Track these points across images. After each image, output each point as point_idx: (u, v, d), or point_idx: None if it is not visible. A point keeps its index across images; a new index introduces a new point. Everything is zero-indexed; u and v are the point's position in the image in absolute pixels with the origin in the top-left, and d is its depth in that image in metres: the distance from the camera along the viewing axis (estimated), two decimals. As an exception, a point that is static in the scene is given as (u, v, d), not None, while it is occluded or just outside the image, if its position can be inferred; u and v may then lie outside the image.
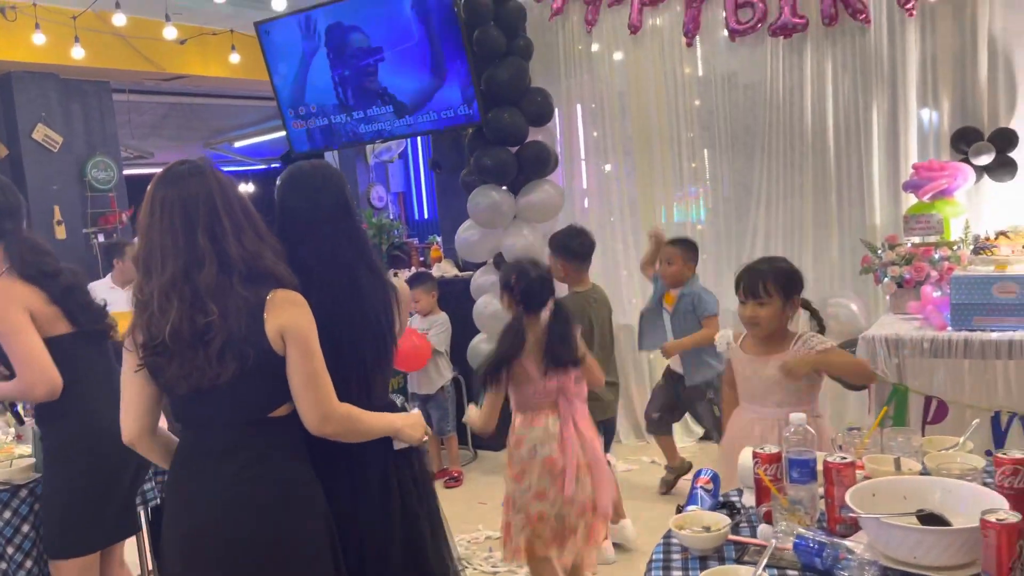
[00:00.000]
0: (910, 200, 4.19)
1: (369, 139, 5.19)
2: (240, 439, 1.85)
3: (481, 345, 4.90)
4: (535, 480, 2.81)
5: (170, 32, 6.30)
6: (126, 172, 8.38)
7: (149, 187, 1.85)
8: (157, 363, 1.80)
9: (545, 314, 2.87)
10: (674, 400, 4.29)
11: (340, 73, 5.01)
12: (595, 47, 5.14)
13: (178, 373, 1.78)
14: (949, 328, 3.43)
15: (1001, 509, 1.42)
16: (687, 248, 4.12)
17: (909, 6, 4.19)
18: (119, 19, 6.13)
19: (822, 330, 2.70)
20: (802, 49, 4.52)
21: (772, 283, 2.51)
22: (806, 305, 2.68)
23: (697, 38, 4.79)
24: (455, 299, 5.07)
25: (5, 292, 2.32)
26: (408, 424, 2.09)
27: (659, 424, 4.38)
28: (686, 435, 5.09)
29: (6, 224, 2.40)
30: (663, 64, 4.93)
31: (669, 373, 4.31)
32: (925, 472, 1.87)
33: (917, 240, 3.91)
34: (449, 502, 4.43)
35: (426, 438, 2.13)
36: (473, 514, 4.24)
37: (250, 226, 1.85)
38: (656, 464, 4.71)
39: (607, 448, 3.70)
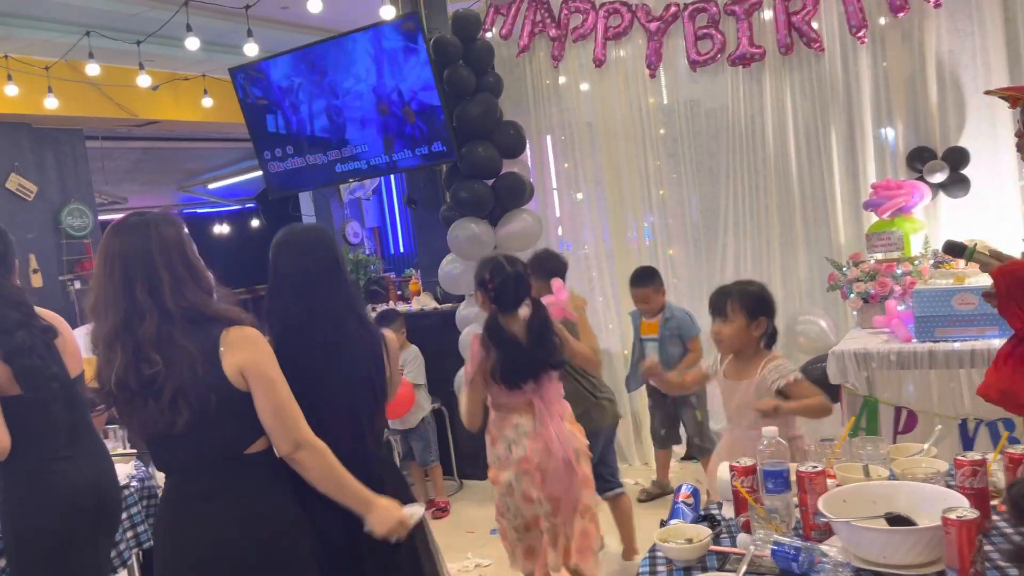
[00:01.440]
0: (871, 218, 4.34)
1: (344, 179, 5.28)
2: (220, 480, 1.89)
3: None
4: (514, 481, 2.83)
5: (144, 80, 6.37)
6: (101, 218, 8.39)
7: (102, 238, 1.93)
8: (117, 409, 1.90)
9: (524, 312, 2.85)
10: (673, 413, 4.46)
11: (317, 113, 5.11)
12: (562, 80, 5.29)
13: (135, 421, 1.87)
14: (914, 340, 3.57)
15: (961, 507, 1.52)
16: (651, 279, 4.31)
17: (860, 34, 4.39)
18: (92, 68, 6.20)
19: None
20: (761, 77, 4.70)
21: (737, 302, 2.61)
22: (772, 333, 2.70)
23: (660, 69, 4.96)
24: (435, 331, 5.14)
25: None
26: (381, 512, 2.00)
27: (666, 439, 4.58)
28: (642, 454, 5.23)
29: None
30: (628, 95, 5.09)
31: (653, 390, 4.48)
32: (892, 478, 1.97)
33: (880, 256, 4.06)
34: (437, 532, 4.48)
35: (393, 537, 2.03)
36: (462, 543, 4.28)
37: (192, 278, 1.90)
38: (639, 484, 4.80)
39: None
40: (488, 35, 5.20)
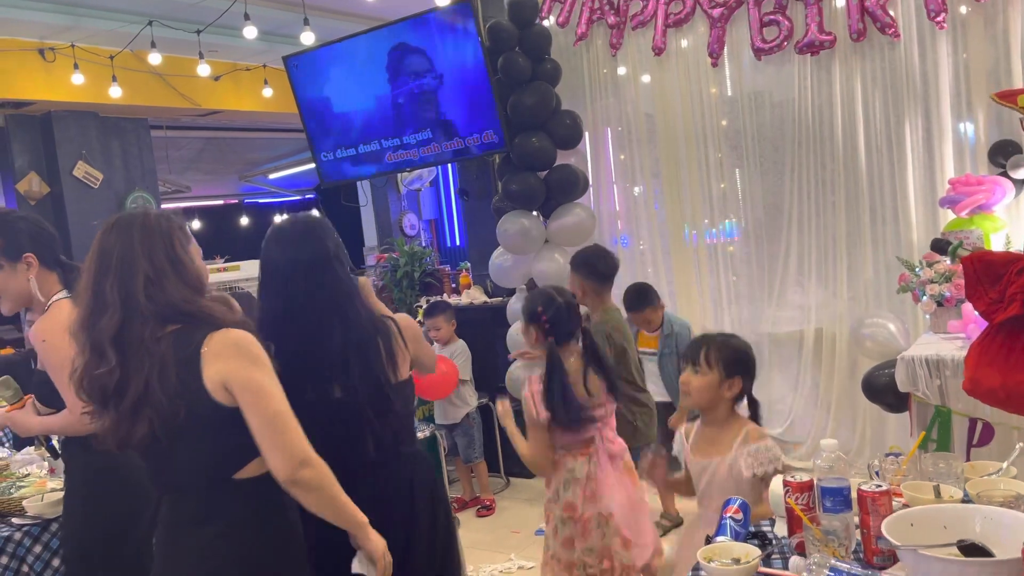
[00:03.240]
0: (948, 216, 4.09)
1: (396, 169, 5.22)
2: (207, 506, 1.72)
3: (517, 371, 4.86)
4: (559, 524, 2.68)
5: (204, 69, 6.44)
6: (164, 206, 8.57)
7: None
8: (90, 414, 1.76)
9: (576, 347, 2.72)
10: (670, 437, 4.11)
11: (372, 102, 5.06)
12: (620, 70, 5.14)
13: (100, 429, 1.73)
14: (992, 347, 3.32)
15: (1046, 539, 1.35)
16: (647, 299, 4.03)
17: (939, 19, 4.12)
18: (155, 58, 6.29)
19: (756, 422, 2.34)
20: (830, 66, 4.46)
21: (715, 354, 2.25)
22: (751, 400, 2.34)
23: (723, 58, 4.76)
24: (483, 325, 5.06)
25: (63, 321, 2.24)
26: (373, 538, 1.83)
27: (671, 462, 4.19)
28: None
29: (60, 255, 2.41)
30: (689, 85, 4.90)
31: (659, 405, 4.03)
32: (967, 499, 1.80)
33: (941, 255, 3.81)
34: (481, 531, 4.41)
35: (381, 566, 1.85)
36: (506, 543, 4.18)
37: (175, 272, 1.73)
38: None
39: None
40: (545, 23, 5.07)
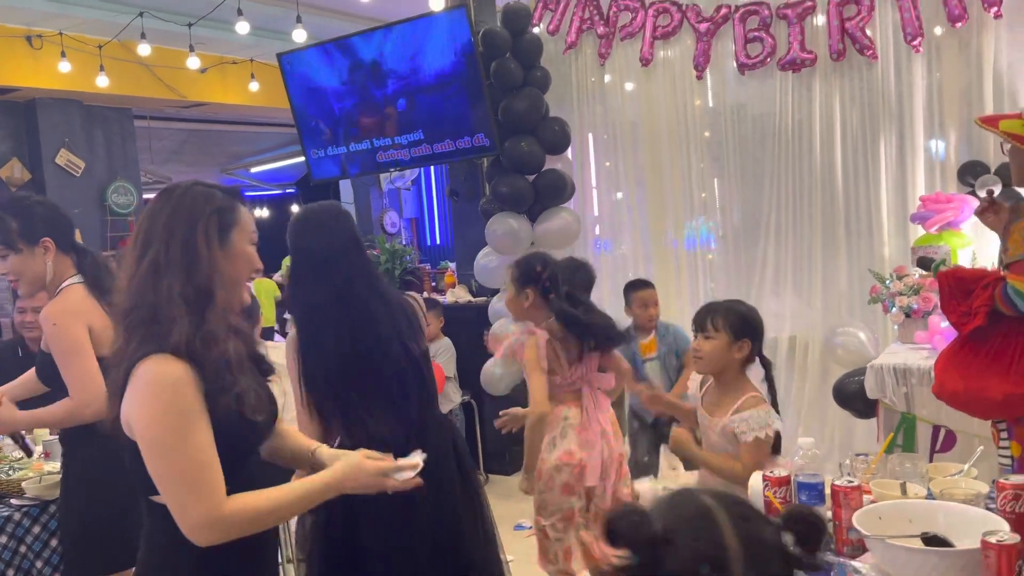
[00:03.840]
0: (918, 231, 4.25)
1: (386, 168, 5.30)
2: (146, 519, 1.58)
3: (495, 369, 4.96)
4: (555, 472, 2.79)
5: (193, 62, 6.47)
6: (145, 196, 8.55)
7: None
8: None
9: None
10: (657, 438, 4.04)
11: (364, 101, 5.13)
12: (608, 79, 5.26)
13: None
14: (956, 357, 3.48)
15: (1001, 531, 1.48)
16: (654, 288, 4.06)
17: (915, 42, 4.29)
18: (144, 49, 6.31)
19: (772, 390, 2.46)
20: (811, 83, 4.61)
21: (722, 319, 2.37)
22: (763, 359, 2.45)
23: (707, 71, 4.90)
24: (468, 324, 5.15)
25: (74, 305, 2.32)
26: (348, 478, 1.61)
27: (648, 467, 4.05)
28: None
29: (73, 238, 2.46)
30: (674, 96, 5.03)
31: (635, 414, 4.13)
32: (930, 497, 1.93)
33: (925, 271, 3.97)
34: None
35: (394, 484, 1.66)
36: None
37: (185, 266, 1.50)
38: None
39: None
40: (535, 30, 5.18)
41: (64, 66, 6.57)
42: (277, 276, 8.55)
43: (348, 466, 1.62)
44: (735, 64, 4.78)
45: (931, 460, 3.40)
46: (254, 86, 7.54)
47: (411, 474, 1.68)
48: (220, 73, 7.83)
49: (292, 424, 2.00)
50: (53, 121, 7.41)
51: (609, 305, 4.22)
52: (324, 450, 1.80)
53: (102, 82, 6.74)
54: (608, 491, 2.83)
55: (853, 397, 3.86)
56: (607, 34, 5.12)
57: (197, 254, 1.50)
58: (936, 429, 3.57)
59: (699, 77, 4.92)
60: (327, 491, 1.59)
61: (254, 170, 11.43)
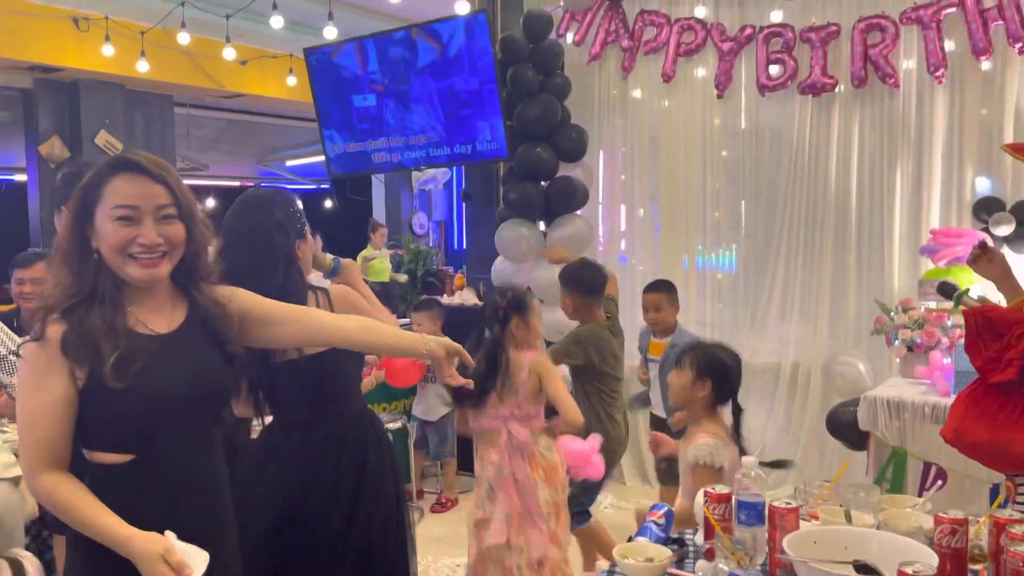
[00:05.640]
0: (928, 265, 4.18)
1: (400, 167, 5.37)
2: None
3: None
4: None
5: (229, 53, 6.60)
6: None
7: None
8: None
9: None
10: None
11: (382, 100, 5.21)
12: (629, 92, 5.26)
13: None
14: (952, 394, 3.41)
15: (918, 562, 1.45)
16: (670, 291, 3.97)
17: (939, 74, 4.23)
18: (183, 37, 6.46)
19: (737, 431, 2.50)
20: (830, 108, 4.58)
21: (690, 357, 2.50)
22: (734, 404, 2.52)
23: (728, 90, 4.88)
24: (472, 327, 5.14)
25: None
26: (136, 546, 1.48)
27: (668, 473, 4.05)
28: (644, 481, 5.06)
29: None
30: (694, 113, 5.02)
31: (654, 419, 4.10)
32: (880, 528, 1.90)
33: (932, 305, 3.90)
34: (441, 525, 4.51)
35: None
36: (461, 538, 4.27)
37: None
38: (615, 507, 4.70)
39: (594, 495, 3.62)
40: (563, 41, 5.20)
41: (108, 49, 6.75)
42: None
43: (146, 551, 1.47)
44: (756, 85, 4.75)
45: (920, 496, 3.34)
46: (291, 80, 7.68)
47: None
48: (259, 66, 7.98)
49: None
50: (95, 103, 7.61)
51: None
52: (433, 341, 1.84)
53: (142, 67, 6.92)
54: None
55: (846, 427, 3.81)
56: (631, 48, 5.12)
57: (60, 229, 1.61)
58: (927, 466, 3.50)
59: (719, 96, 4.90)
60: (113, 545, 1.50)
61: (289, 163, 11.61)
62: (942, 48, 4.21)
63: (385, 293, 6.06)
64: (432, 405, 4.77)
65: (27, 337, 1.57)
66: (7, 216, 8.99)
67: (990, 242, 4.01)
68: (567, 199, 4.83)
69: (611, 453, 3.45)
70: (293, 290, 2.24)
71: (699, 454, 2.35)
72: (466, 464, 5.13)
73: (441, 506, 4.79)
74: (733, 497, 1.87)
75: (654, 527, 1.94)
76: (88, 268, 1.58)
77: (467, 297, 5.45)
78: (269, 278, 2.20)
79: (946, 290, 2.56)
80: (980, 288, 3.94)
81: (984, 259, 2.48)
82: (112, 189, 1.57)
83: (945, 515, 1.69)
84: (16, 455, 2.31)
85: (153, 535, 1.50)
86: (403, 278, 7.45)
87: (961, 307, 2.46)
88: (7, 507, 2.23)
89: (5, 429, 2.95)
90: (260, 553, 2.14)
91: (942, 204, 4.35)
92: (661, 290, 3.97)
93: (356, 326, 1.88)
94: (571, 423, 2.86)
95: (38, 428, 1.53)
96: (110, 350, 1.53)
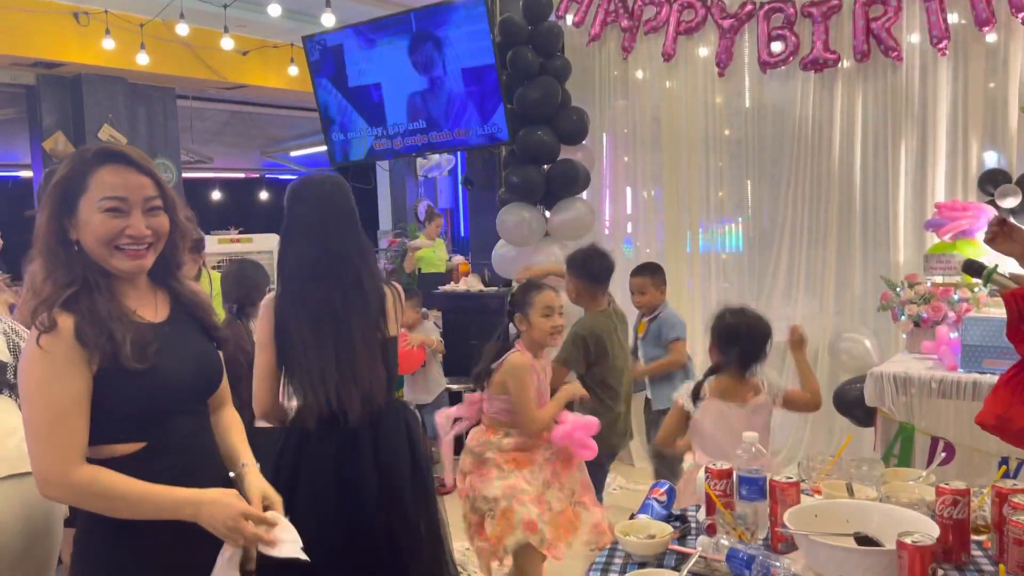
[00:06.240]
0: (933, 239, 4.15)
1: (401, 154, 5.36)
2: None
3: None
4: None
5: (227, 43, 6.59)
6: (184, 175, 8.75)
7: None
8: None
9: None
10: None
11: (382, 87, 5.19)
12: (630, 73, 5.23)
13: None
14: (960, 369, 3.40)
15: (918, 532, 1.45)
16: (655, 273, 3.96)
17: (941, 46, 4.18)
18: (182, 28, 6.45)
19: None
20: (833, 84, 4.53)
21: (712, 326, 2.70)
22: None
23: (729, 68, 4.84)
24: (477, 313, 5.17)
25: None
26: (212, 502, 1.51)
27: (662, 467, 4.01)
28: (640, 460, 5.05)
29: None
30: (695, 92, 4.99)
31: (647, 406, 4.08)
32: (882, 500, 1.89)
33: (938, 280, 3.87)
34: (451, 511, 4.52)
35: (241, 541, 1.52)
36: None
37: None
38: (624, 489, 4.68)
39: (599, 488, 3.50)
40: (562, 23, 5.17)
41: (108, 43, 6.75)
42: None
43: (216, 500, 1.52)
44: (757, 62, 4.71)
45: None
46: (293, 70, 7.66)
47: (287, 550, 1.53)
48: (261, 56, 7.96)
49: None
50: (97, 97, 7.62)
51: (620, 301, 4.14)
52: (252, 472, 1.73)
53: (142, 60, 6.91)
54: None
55: (853, 404, 3.80)
56: (631, 27, 5.09)
57: (40, 222, 1.55)
58: (935, 442, 3.49)
59: (721, 74, 4.86)
60: (180, 510, 1.50)
61: (294, 154, 11.60)
62: (945, 20, 4.16)
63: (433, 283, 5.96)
64: (427, 385, 4.78)
65: (36, 330, 1.49)
66: (13, 213, 9.05)
67: (1011, 219, 4.00)
68: (569, 182, 4.81)
69: (610, 441, 3.37)
70: (379, 277, 2.30)
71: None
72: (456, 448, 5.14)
73: (443, 487, 4.80)
74: (734, 473, 1.87)
75: (656, 504, 1.94)
76: (74, 259, 1.55)
77: (472, 283, 5.45)
78: (356, 268, 2.21)
79: (973, 268, 2.42)
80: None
81: (1002, 235, 2.31)
82: (99, 180, 1.54)
83: (947, 486, 1.68)
84: None
85: (226, 490, 1.55)
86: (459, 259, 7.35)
87: (991, 285, 2.34)
88: (50, 504, 2.05)
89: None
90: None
91: (947, 178, 4.31)
92: (645, 273, 3.95)
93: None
94: (524, 431, 2.82)
95: (69, 421, 1.48)
96: (123, 334, 1.52)
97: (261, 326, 2.24)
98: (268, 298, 2.27)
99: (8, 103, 7.97)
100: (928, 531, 1.52)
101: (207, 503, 1.50)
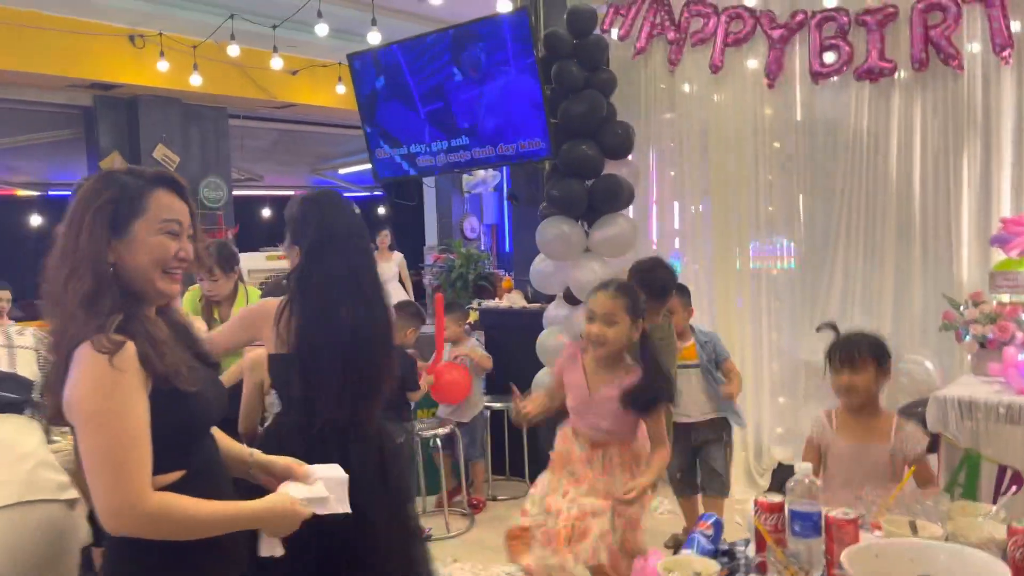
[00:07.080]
0: (999, 255, 3.95)
1: (445, 170, 5.33)
2: None
3: (545, 378, 4.88)
4: None
5: (276, 63, 6.69)
6: (235, 193, 8.90)
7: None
8: None
9: None
10: (692, 456, 3.93)
11: (426, 103, 5.18)
12: (677, 86, 5.12)
13: None
14: (1029, 393, 3.21)
15: (990, 579, 1.33)
16: (682, 293, 3.83)
17: (1005, 54, 3.99)
18: (233, 49, 6.57)
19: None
20: (889, 94, 4.36)
21: (866, 351, 2.48)
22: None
23: (780, 79, 4.70)
24: (520, 330, 5.09)
25: None
26: (275, 512, 1.61)
27: (682, 484, 4.02)
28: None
29: None
30: (744, 105, 4.86)
31: (676, 427, 3.85)
32: (948, 539, 1.76)
33: (1005, 298, 3.68)
34: (490, 532, 4.42)
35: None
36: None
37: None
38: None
39: None
40: (607, 36, 5.10)
41: (162, 65, 6.91)
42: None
43: (280, 507, 1.62)
44: (809, 73, 4.57)
45: (995, 503, 3.15)
46: (340, 89, 7.74)
47: (332, 506, 1.73)
48: (309, 76, 8.07)
49: None
50: (153, 117, 7.81)
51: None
52: (260, 455, 1.82)
53: (195, 81, 7.06)
54: None
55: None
56: (677, 40, 4.99)
57: (83, 243, 1.49)
58: (1002, 469, 3.29)
59: (771, 86, 4.73)
60: (254, 521, 1.59)
61: (342, 171, 11.73)
62: (1007, 27, 3.97)
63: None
64: (468, 405, 4.71)
65: (102, 353, 1.42)
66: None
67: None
68: (612, 197, 4.70)
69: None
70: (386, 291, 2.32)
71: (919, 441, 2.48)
72: (498, 468, 5.05)
73: (474, 508, 4.74)
74: (786, 507, 1.76)
75: (701, 539, 1.84)
76: (112, 282, 1.51)
77: (515, 300, 5.38)
78: (375, 282, 2.22)
79: None
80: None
81: None
82: (157, 202, 1.56)
83: (1020, 525, 1.55)
84: (68, 471, 2.19)
85: (280, 496, 1.66)
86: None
87: None
88: (63, 531, 2.08)
89: (56, 438, 2.98)
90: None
91: (1013, 191, 4.10)
92: (680, 295, 3.85)
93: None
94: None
95: (141, 447, 1.44)
96: (178, 357, 1.54)
97: (267, 335, 2.22)
98: (267, 310, 2.24)
99: (66, 124, 8.21)
100: (995, 573, 1.39)
101: (274, 517, 1.61)
